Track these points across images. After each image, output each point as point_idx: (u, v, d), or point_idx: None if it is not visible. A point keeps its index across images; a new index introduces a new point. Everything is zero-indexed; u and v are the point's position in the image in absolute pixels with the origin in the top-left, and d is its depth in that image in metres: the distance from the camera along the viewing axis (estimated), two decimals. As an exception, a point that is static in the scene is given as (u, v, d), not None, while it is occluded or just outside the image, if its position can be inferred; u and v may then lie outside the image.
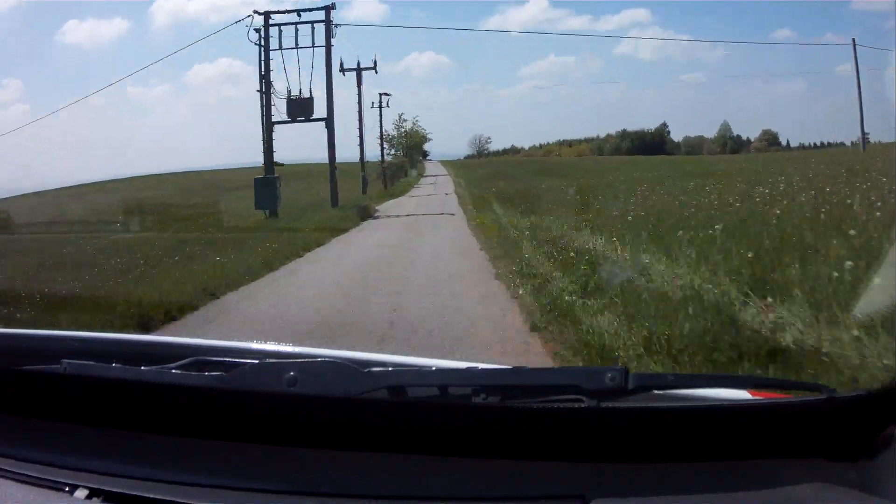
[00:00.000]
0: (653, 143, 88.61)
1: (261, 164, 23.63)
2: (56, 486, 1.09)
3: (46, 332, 1.66)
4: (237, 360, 1.35)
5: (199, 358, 1.35)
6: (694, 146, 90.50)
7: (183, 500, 1.04)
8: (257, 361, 1.32)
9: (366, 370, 1.23)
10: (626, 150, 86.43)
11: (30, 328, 1.75)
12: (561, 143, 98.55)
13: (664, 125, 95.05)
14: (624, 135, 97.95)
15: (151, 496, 1.05)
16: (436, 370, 1.32)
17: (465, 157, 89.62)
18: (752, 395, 1.24)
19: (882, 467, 1.03)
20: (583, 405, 1.12)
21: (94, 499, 1.06)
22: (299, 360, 1.25)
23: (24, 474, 1.13)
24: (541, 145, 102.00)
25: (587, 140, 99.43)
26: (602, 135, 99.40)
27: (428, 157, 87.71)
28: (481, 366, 1.32)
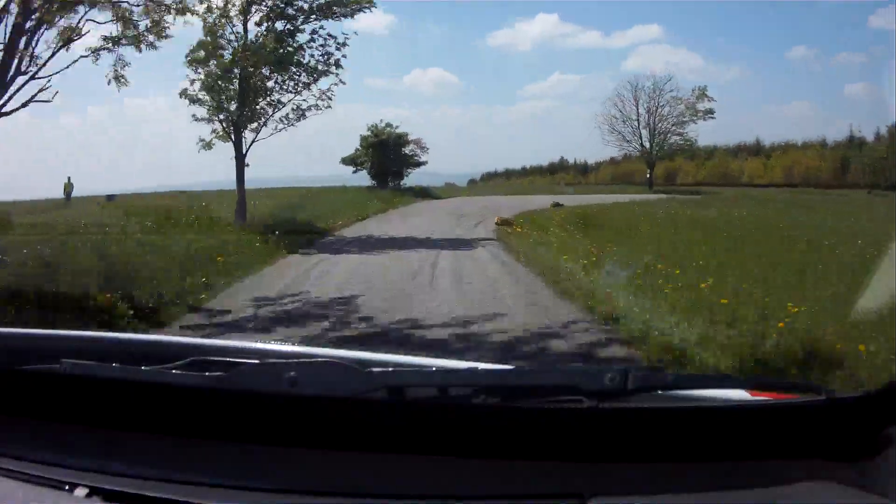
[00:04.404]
0: None
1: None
2: (56, 485, 1.09)
3: (46, 331, 1.65)
4: (237, 359, 1.35)
5: (199, 358, 1.35)
6: None
7: (182, 500, 1.04)
8: (257, 361, 1.33)
9: (366, 370, 1.23)
10: None
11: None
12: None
13: None
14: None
15: (151, 495, 1.05)
16: (436, 370, 1.32)
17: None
18: (752, 395, 1.25)
19: (882, 467, 1.03)
20: (583, 405, 1.13)
21: (94, 497, 1.06)
22: (299, 361, 1.25)
23: (23, 473, 1.12)
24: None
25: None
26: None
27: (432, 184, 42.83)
28: (481, 366, 1.32)
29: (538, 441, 1.09)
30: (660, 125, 41.28)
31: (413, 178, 41.73)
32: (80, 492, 1.07)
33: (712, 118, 40.92)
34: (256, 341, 1.54)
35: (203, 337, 5.89)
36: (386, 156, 39.01)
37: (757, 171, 57.33)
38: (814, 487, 1.02)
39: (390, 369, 1.28)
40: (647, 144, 41.14)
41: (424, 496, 1.05)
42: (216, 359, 1.35)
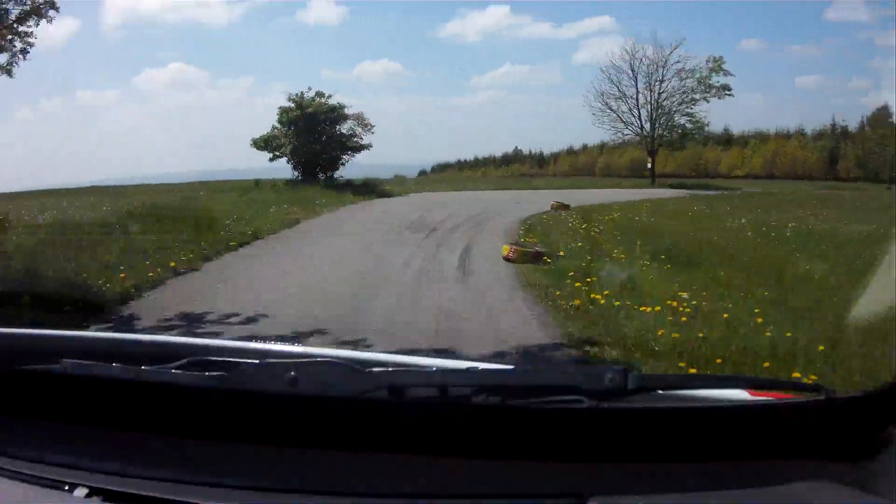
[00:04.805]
0: None
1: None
2: (56, 485, 1.09)
3: (46, 331, 1.64)
4: (237, 359, 1.34)
5: (199, 358, 1.34)
6: None
7: (182, 500, 1.04)
8: (257, 361, 1.32)
9: (366, 370, 1.23)
10: None
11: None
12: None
13: None
14: None
15: (151, 495, 1.05)
16: (436, 370, 1.32)
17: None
18: (752, 395, 1.25)
19: (882, 467, 1.04)
20: (583, 405, 1.13)
21: (94, 497, 1.06)
22: (299, 360, 1.25)
23: (23, 473, 1.12)
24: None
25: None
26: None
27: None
28: (482, 366, 1.33)
29: (538, 441, 1.09)
30: (664, 103, 31.68)
31: (353, 169, 29.70)
32: (80, 492, 1.07)
33: (729, 95, 31.57)
34: (257, 341, 1.53)
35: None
36: (314, 137, 27.24)
37: (735, 162, 53.16)
38: (814, 487, 1.03)
39: (390, 369, 1.28)
40: (648, 127, 31.64)
41: (425, 496, 1.06)
42: (216, 359, 1.35)
